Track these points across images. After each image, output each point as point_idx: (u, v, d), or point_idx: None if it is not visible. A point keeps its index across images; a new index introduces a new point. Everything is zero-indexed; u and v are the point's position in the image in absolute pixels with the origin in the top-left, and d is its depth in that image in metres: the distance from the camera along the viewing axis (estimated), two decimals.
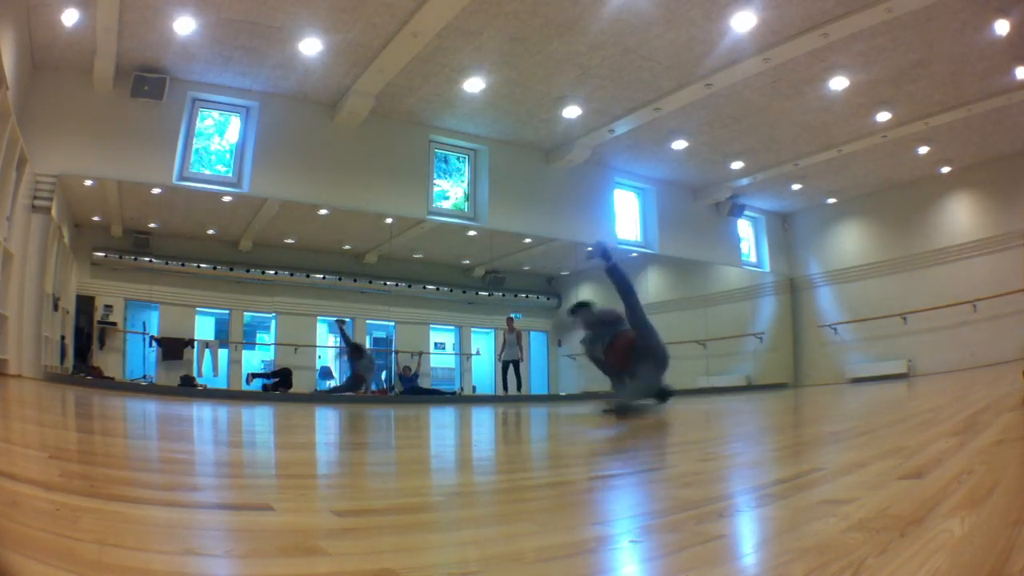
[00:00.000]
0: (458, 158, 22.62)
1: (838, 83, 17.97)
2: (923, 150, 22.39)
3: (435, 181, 22.11)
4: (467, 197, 22.64)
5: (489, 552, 1.86)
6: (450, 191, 22.61)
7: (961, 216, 24.05)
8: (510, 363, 22.50)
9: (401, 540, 2.04)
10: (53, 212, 16.01)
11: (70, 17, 14.30)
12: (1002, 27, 15.26)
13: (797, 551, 1.74)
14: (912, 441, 4.46)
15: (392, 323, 21.49)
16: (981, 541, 1.66)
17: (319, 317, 22.46)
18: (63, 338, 17.19)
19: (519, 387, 22.17)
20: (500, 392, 22.48)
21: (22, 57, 14.69)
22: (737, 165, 24.22)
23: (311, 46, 16.10)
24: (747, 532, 2.15)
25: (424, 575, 1.64)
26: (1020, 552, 1.52)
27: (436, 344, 24.97)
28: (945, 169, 23.99)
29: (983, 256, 23.02)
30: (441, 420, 10.12)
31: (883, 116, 19.93)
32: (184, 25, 15.06)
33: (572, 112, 19.85)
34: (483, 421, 9.89)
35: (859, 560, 1.57)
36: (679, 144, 22.36)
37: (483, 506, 2.78)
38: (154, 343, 19.51)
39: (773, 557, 1.77)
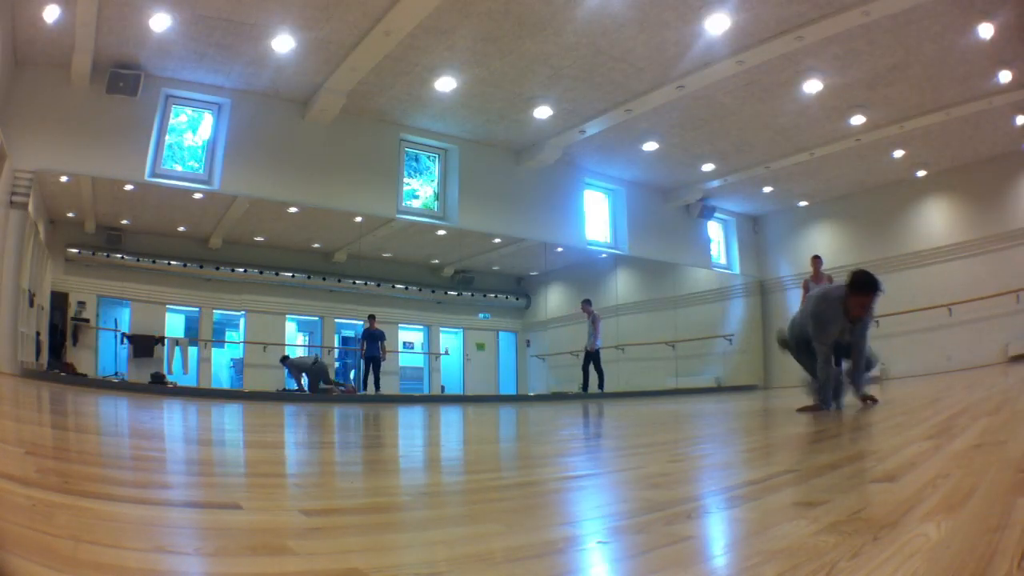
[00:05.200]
0: (428, 157, 22.57)
1: (812, 86, 18.00)
2: (898, 154, 22.50)
3: (405, 180, 22.05)
4: (437, 196, 22.61)
5: (458, 552, 1.84)
6: (420, 190, 22.56)
7: (936, 220, 24.18)
8: (588, 354, 21.50)
9: (369, 540, 2.03)
10: (30, 208, 15.94)
11: (51, 13, 14.25)
12: (985, 30, 15.32)
13: (767, 553, 1.72)
14: (885, 444, 4.46)
15: (361, 322, 21.42)
16: (959, 546, 1.64)
17: (288, 316, 22.41)
18: (38, 334, 17.10)
19: (601, 383, 21.20)
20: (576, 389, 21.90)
21: (4, 54, 14.66)
22: (708, 167, 24.29)
23: (284, 43, 16.02)
24: (716, 534, 2.13)
25: (391, 575, 1.63)
26: (1003, 558, 1.50)
27: (405, 344, 24.93)
28: (921, 173, 24.10)
29: (959, 260, 23.16)
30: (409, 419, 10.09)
31: (857, 120, 20.00)
32: (160, 22, 14.99)
33: (543, 112, 19.86)
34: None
35: (831, 563, 1.55)
36: (650, 146, 22.40)
37: (451, 506, 2.76)
38: (125, 340, 19.42)
39: (743, 559, 1.75)
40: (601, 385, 21.02)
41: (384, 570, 1.63)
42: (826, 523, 1.97)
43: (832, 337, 8.63)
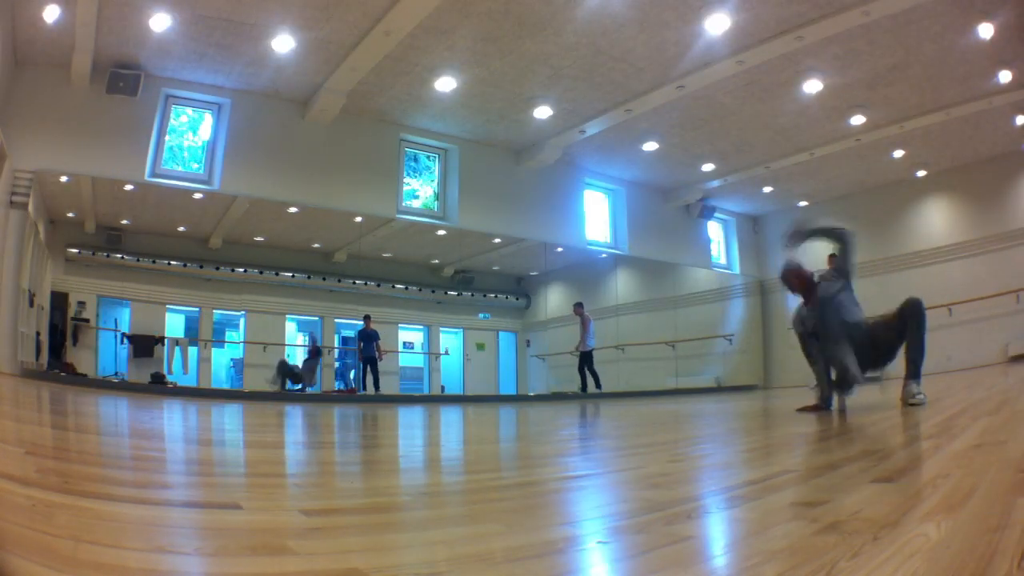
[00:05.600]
0: (428, 157, 22.60)
1: (812, 86, 18.02)
2: (898, 154, 22.53)
3: (405, 180, 22.07)
4: (436, 196, 22.65)
5: (458, 552, 1.84)
6: (420, 190, 22.59)
7: (936, 220, 24.22)
8: (581, 355, 21.68)
9: (369, 540, 2.03)
10: (30, 208, 15.96)
11: (51, 13, 14.25)
12: (985, 30, 15.34)
13: (767, 553, 1.72)
14: (885, 444, 4.46)
15: (361, 322, 21.39)
16: (959, 546, 1.63)
17: (288, 316, 22.41)
18: (38, 334, 17.11)
19: (597, 383, 21.27)
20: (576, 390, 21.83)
21: (4, 53, 14.68)
22: (708, 167, 24.32)
23: (284, 43, 16.03)
24: (716, 534, 2.13)
25: (391, 575, 1.62)
26: (1003, 558, 1.49)
27: (405, 344, 24.97)
28: (921, 173, 24.12)
29: (959, 260, 23.20)
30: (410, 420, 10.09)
31: (857, 120, 20.03)
32: (160, 22, 14.99)
33: (543, 112, 19.87)
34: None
35: (831, 563, 1.55)
36: (650, 146, 22.42)
37: (451, 506, 2.77)
38: (125, 340, 19.42)
39: (743, 559, 1.75)
40: (598, 385, 21.09)
41: (384, 570, 1.63)
42: (826, 523, 1.96)
43: (806, 330, 8.76)
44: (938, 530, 1.78)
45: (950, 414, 5.89)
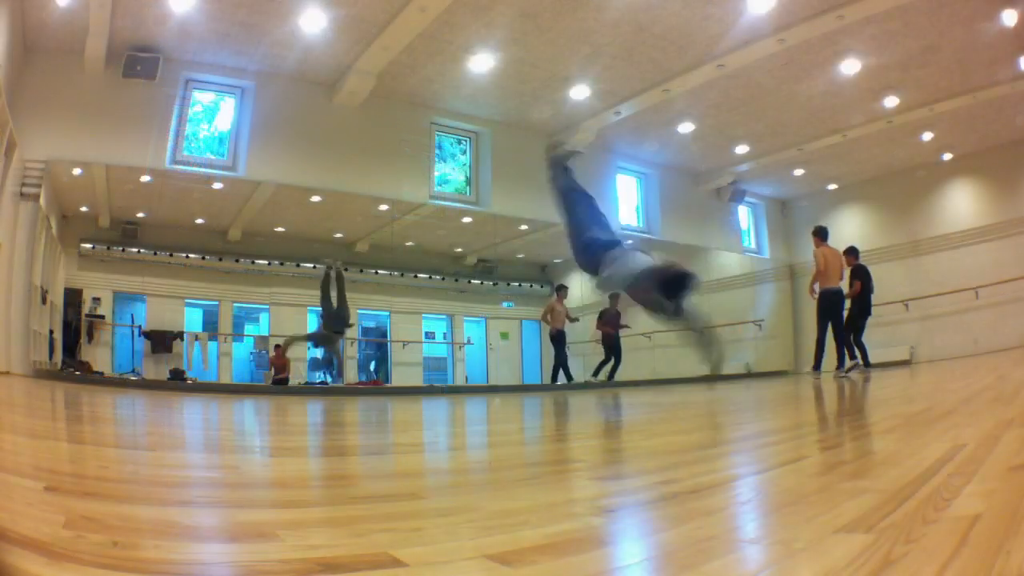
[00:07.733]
0: (459, 141, 22.49)
1: (849, 66, 18.12)
2: (927, 136, 22.75)
3: (435, 164, 21.80)
4: (468, 181, 22.54)
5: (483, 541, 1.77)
6: (451, 175, 22.45)
7: (963, 203, 24.45)
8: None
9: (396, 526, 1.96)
10: (41, 201, 15.69)
11: None
12: (1010, 17, 15.61)
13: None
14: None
15: (382, 311, 21.14)
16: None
17: (309, 307, 22.10)
18: (51, 332, 16.93)
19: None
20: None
21: (14, 39, 14.45)
22: (742, 149, 24.33)
23: (313, 20, 15.81)
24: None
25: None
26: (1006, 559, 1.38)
27: (426, 334, 24.82)
28: (947, 156, 24.32)
29: (985, 243, 23.40)
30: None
31: (891, 101, 20.13)
32: (179, 1, 14.67)
33: (580, 93, 19.79)
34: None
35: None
36: (685, 127, 22.39)
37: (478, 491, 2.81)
38: (142, 336, 19.18)
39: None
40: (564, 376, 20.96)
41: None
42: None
43: None
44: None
45: (966, 395, 6.04)
